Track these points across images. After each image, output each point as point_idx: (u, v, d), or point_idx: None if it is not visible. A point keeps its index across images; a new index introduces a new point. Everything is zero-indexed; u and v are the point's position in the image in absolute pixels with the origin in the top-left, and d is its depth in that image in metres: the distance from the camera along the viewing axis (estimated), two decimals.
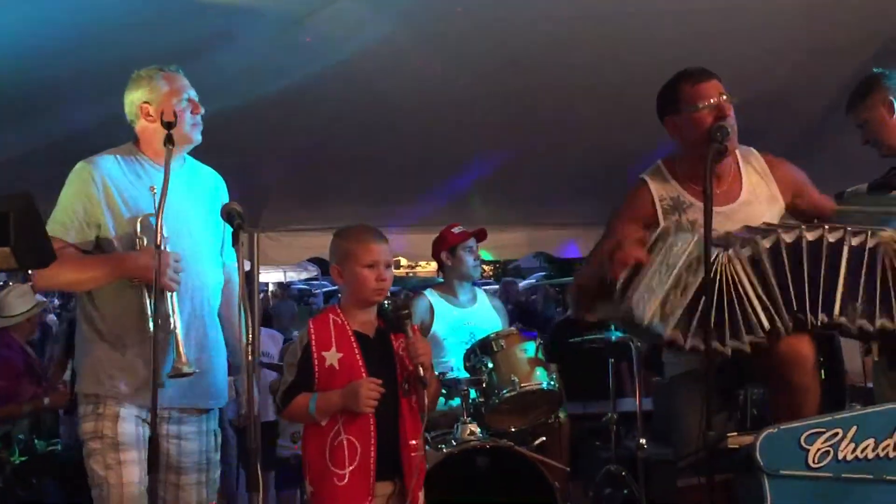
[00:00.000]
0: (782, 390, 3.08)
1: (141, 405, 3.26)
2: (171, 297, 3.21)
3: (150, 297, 3.16)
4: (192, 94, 3.40)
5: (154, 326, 3.05)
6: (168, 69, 3.40)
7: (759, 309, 2.96)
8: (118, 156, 3.37)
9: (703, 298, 2.86)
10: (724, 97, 3.23)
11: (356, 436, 3.18)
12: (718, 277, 2.92)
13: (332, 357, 3.23)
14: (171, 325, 3.19)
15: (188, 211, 3.39)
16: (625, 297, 2.95)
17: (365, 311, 3.35)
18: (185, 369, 3.17)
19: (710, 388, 2.82)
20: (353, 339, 3.28)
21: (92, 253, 3.30)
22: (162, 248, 3.12)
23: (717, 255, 2.94)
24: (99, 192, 3.27)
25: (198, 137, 3.43)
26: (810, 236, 2.99)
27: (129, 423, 3.26)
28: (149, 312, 3.16)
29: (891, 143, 3.76)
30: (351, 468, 3.16)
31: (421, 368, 3.21)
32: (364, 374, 3.22)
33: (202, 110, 3.41)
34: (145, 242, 3.21)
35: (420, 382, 3.22)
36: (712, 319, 2.87)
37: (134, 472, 3.22)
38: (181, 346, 3.18)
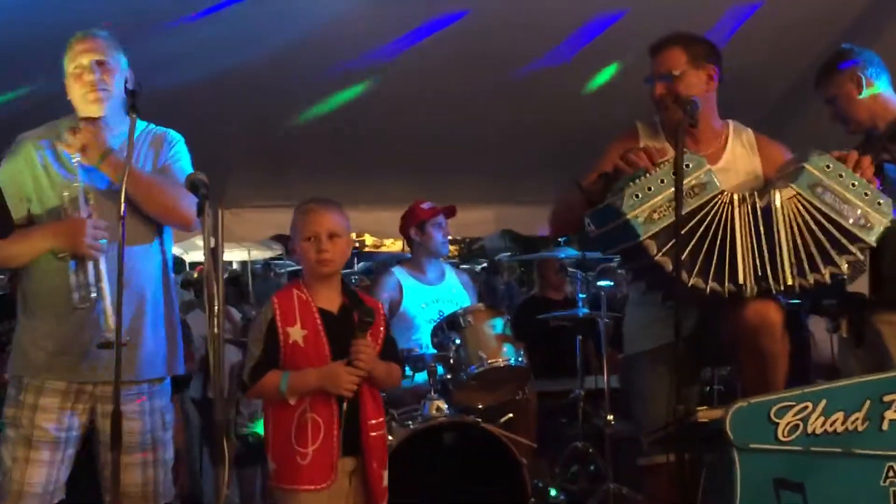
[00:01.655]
0: (749, 357, 3.12)
1: (70, 380, 3.21)
2: (97, 265, 3.15)
3: (76, 266, 3.13)
4: (91, 59, 3.26)
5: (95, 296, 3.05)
6: (82, 33, 3.30)
7: (739, 260, 3.00)
8: (51, 129, 3.34)
9: (689, 227, 2.94)
10: (666, 72, 3.31)
11: (321, 415, 3.14)
12: (715, 214, 3.01)
13: (296, 333, 3.18)
14: (94, 294, 3.13)
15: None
16: (620, 192, 2.98)
17: (327, 286, 3.30)
18: (111, 337, 3.06)
19: (677, 358, 2.82)
20: (317, 316, 3.24)
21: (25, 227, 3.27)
22: (85, 216, 3.13)
23: (721, 193, 3.02)
24: (28, 167, 3.26)
25: (91, 109, 3.29)
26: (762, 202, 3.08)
27: (49, 416, 3.20)
28: (73, 283, 3.12)
29: (858, 119, 3.78)
30: (314, 447, 3.12)
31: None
32: (328, 353, 3.19)
33: (92, 77, 3.24)
34: (69, 213, 3.17)
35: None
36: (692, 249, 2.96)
37: (40, 473, 3.17)
38: (110, 316, 3.11)
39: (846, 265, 3.06)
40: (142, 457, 3.27)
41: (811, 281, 3.04)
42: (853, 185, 3.06)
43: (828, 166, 3.07)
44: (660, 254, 2.95)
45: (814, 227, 3.04)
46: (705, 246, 3.00)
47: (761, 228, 3.04)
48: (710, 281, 3.00)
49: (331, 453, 3.13)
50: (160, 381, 3.37)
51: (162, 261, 3.42)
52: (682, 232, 2.86)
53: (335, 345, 3.20)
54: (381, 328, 3.38)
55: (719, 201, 3.02)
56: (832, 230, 3.04)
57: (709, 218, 3.01)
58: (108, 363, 3.13)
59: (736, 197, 3.05)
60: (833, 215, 3.04)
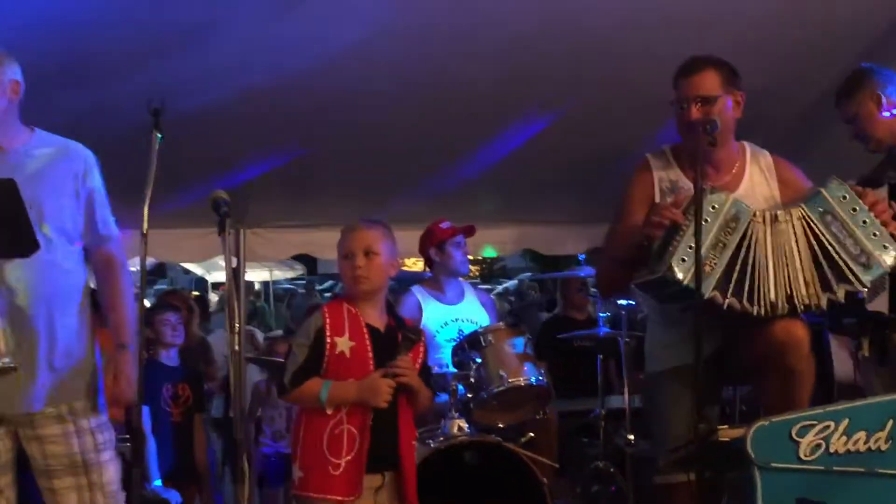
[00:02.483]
0: (776, 375, 3.11)
1: None
2: None
3: None
4: None
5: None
6: None
7: (771, 279, 3.00)
8: None
9: (740, 260, 3.01)
10: (706, 94, 3.27)
11: (357, 426, 3.18)
12: (750, 237, 3.03)
13: (343, 344, 3.22)
14: None
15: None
16: (662, 258, 2.99)
17: (371, 305, 3.34)
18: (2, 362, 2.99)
19: (698, 377, 2.83)
20: (365, 330, 3.27)
21: None
22: None
23: (754, 214, 3.04)
24: None
25: None
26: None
27: None
28: None
29: (879, 137, 3.78)
30: (347, 458, 3.15)
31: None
32: (373, 367, 3.22)
33: None
34: None
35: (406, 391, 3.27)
36: (734, 277, 3.02)
37: None
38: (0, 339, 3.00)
39: (843, 293, 3.06)
40: (73, 479, 3.15)
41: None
42: (864, 222, 3.05)
43: (844, 197, 3.07)
44: (726, 300, 2.99)
45: (817, 251, 3.05)
46: (747, 269, 3.03)
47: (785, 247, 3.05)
48: (755, 303, 3.02)
49: (361, 466, 3.17)
50: (85, 401, 3.21)
51: (73, 286, 3.25)
52: (728, 262, 2.98)
53: (380, 361, 3.24)
54: (421, 351, 3.42)
55: (752, 224, 3.04)
56: (834, 258, 3.05)
57: (746, 242, 3.03)
58: (7, 389, 3.05)
59: (768, 215, 3.06)
60: (835, 245, 3.04)
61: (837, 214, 3.05)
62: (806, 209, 3.06)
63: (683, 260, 2.93)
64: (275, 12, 4.14)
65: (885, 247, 3.04)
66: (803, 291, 3.03)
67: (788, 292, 3.03)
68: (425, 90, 4.99)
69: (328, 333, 3.23)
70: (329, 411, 3.17)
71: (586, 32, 4.55)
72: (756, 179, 3.39)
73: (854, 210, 3.06)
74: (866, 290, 3.08)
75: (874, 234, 3.04)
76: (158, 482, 4.75)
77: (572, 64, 4.80)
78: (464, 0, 4.31)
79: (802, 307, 3.05)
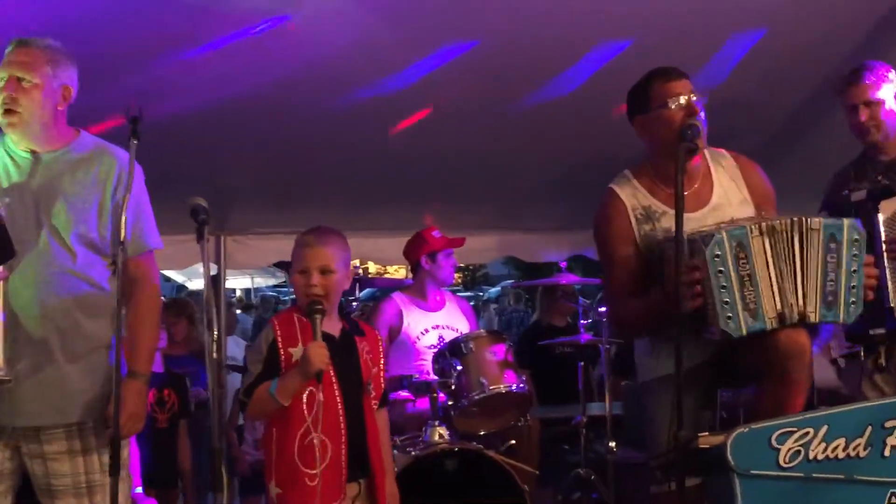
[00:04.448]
0: (774, 383, 3.06)
1: None
2: None
3: None
4: (7, 73, 3.00)
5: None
6: (16, 40, 3.07)
7: (775, 290, 3.00)
8: None
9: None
10: (695, 96, 3.24)
11: (327, 434, 3.14)
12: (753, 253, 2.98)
13: (298, 354, 3.16)
14: None
15: (41, 201, 3.04)
16: (708, 324, 2.97)
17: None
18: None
19: (679, 386, 2.82)
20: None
21: None
22: None
23: (750, 230, 2.98)
24: None
25: (7, 129, 3.05)
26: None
27: None
28: None
29: (886, 130, 3.72)
30: (322, 467, 3.12)
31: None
32: (333, 373, 3.17)
33: (3, 94, 2.99)
34: None
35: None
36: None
37: None
38: None
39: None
40: (75, 501, 3.01)
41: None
42: (854, 271, 3.03)
43: (856, 239, 3.04)
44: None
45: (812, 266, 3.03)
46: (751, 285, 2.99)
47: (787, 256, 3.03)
48: (761, 318, 2.99)
49: (340, 472, 3.14)
50: (99, 419, 3.05)
51: (98, 297, 3.10)
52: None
53: (339, 367, 3.19)
54: (381, 354, 3.41)
55: (752, 239, 2.99)
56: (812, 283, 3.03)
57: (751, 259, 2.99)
58: (11, 400, 2.94)
59: (765, 226, 3.00)
60: (819, 274, 3.01)
61: (840, 248, 3.02)
62: (823, 225, 3.03)
63: (729, 317, 2.92)
64: (258, 21, 4.13)
65: (852, 302, 3.04)
66: (801, 302, 3.02)
67: (793, 301, 3.00)
68: (407, 99, 4.99)
69: (281, 345, 3.19)
70: (286, 403, 3.10)
71: (570, 46, 4.57)
72: (726, 184, 3.35)
73: (855, 256, 3.03)
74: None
75: (852, 286, 3.03)
76: (139, 489, 4.72)
77: (553, 72, 4.82)
78: (447, 13, 4.30)
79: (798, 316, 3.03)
